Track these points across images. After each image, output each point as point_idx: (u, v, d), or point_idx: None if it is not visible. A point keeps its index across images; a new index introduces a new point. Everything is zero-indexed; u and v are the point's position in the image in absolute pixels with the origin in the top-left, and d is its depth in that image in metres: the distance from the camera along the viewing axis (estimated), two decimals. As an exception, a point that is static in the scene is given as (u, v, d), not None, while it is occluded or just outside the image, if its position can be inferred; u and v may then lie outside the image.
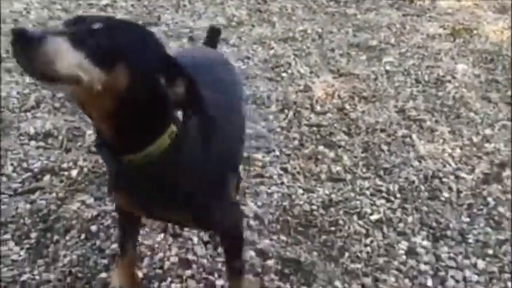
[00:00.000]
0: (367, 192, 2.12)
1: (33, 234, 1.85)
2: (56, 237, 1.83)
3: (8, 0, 3.39)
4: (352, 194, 2.10)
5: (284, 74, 2.92)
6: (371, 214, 2.00)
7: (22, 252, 1.78)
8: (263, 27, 3.39)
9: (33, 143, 2.30)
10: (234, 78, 1.72)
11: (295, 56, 3.09)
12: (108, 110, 1.06)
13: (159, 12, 3.45)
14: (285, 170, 2.24)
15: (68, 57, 0.97)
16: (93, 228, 1.88)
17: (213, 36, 2.01)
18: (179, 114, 1.18)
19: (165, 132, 1.15)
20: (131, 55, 1.05)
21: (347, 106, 2.68)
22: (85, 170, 2.17)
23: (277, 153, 2.35)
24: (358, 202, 2.05)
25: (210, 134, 1.29)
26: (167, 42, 3.15)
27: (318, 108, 2.65)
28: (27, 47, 0.94)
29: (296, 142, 2.42)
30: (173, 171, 1.21)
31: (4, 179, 2.07)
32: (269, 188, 2.13)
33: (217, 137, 1.33)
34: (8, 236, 1.83)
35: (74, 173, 2.15)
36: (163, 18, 3.40)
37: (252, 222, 1.94)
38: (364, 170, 2.26)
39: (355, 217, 1.98)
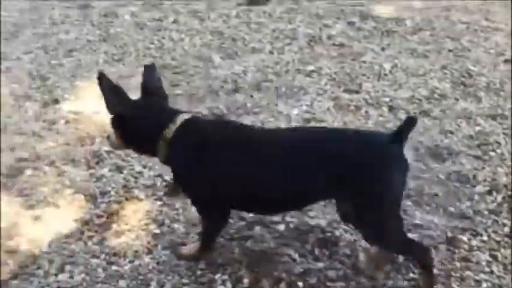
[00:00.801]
0: None
1: (246, 280, 2.04)
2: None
3: (228, 62, 3.89)
4: None
5: (492, 153, 2.78)
6: None
7: (237, 295, 1.97)
8: (468, 101, 3.30)
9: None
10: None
11: (505, 135, 2.93)
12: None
13: (361, 80, 3.60)
14: (495, 257, 2.12)
15: (115, 142, 2.09)
16: (300, 284, 2.00)
17: (407, 127, 1.83)
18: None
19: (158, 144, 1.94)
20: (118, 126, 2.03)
21: None
22: (291, 225, 2.34)
23: (485, 237, 2.23)
24: None
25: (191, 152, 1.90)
26: (367, 109, 3.27)
27: (533, 195, 2.46)
28: (107, 138, 2.16)
29: (506, 229, 2.28)
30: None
31: (224, 224, 2.34)
32: (477, 275, 2.04)
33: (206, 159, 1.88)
34: (225, 277, 2.06)
35: (282, 227, 2.33)
36: (364, 86, 3.53)
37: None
38: None
39: None
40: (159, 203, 2.48)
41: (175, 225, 2.35)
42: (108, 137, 2.15)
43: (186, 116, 1.95)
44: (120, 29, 4.35)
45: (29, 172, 2.64)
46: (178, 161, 1.93)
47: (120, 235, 2.28)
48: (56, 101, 3.33)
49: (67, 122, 3.11)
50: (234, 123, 2.23)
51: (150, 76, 2.03)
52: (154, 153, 1.98)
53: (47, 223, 2.33)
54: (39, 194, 2.49)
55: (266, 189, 1.86)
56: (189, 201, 2.47)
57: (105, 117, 3.19)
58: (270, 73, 3.73)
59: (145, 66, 2.07)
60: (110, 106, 1.93)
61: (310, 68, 3.80)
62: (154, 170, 2.68)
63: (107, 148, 2.83)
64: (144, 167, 2.71)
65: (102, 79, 1.91)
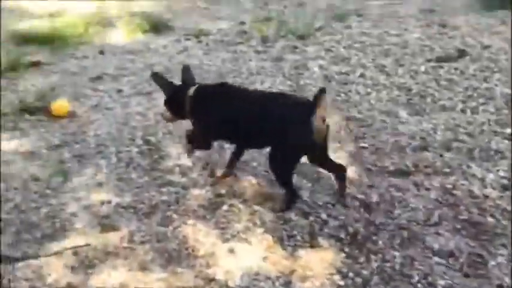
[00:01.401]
0: None
1: None
2: None
3: (416, 118, 3.80)
4: None
5: None
6: None
7: None
8: None
9: (436, 258, 2.43)
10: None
11: None
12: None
13: None
14: None
15: (168, 115, 3.14)
16: None
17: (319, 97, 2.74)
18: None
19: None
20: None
21: None
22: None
23: None
24: None
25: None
26: None
27: None
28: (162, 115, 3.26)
29: None
30: None
31: None
32: None
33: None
34: None
35: None
36: None
37: None
38: None
39: None
40: (343, 254, 2.49)
41: (359, 280, 2.34)
42: (162, 114, 3.16)
43: (197, 85, 2.99)
44: (309, 81, 4.58)
45: (225, 207, 2.89)
46: (195, 110, 2.94)
47: (305, 280, 2.34)
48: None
49: (259, 164, 3.34)
50: (228, 85, 3.14)
51: (187, 73, 3.07)
52: (186, 115, 3.00)
53: (239, 257, 2.51)
54: (234, 229, 2.71)
55: (236, 127, 2.85)
56: (373, 257, 2.47)
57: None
58: (462, 133, 3.56)
59: (183, 67, 3.11)
60: (164, 92, 3.06)
61: (509, 130, 3.52)
62: (339, 220, 2.72)
63: (294, 193, 2.97)
64: (329, 215, 2.77)
65: (156, 76, 3.10)
